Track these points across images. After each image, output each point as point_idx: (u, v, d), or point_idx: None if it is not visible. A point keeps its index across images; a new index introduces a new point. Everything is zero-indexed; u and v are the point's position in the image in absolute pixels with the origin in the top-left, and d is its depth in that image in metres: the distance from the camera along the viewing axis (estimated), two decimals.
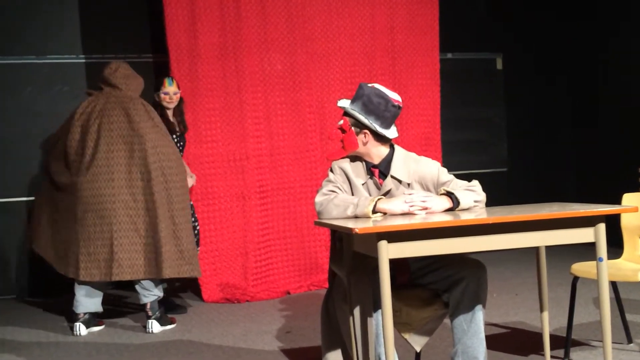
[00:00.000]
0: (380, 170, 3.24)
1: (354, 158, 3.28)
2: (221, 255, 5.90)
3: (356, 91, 3.23)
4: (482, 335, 3.10)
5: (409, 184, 3.22)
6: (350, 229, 2.68)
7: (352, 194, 3.22)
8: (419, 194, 3.09)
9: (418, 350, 3.27)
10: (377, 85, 3.25)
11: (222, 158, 5.96)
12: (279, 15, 6.12)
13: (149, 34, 6.66)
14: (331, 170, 3.29)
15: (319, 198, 3.18)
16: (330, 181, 3.24)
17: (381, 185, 3.22)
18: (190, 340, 4.57)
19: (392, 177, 3.22)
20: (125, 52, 6.64)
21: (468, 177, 3.37)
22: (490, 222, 2.81)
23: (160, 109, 5.31)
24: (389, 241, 2.69)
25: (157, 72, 6.65)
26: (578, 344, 3.93)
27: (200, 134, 5.89)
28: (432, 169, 3.26)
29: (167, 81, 5.38)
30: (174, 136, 5.37)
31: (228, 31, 5.97)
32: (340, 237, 3.20)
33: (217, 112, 5.95)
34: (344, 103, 3.26)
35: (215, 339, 4.57)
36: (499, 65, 8.06)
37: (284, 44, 6.15)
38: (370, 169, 3.24)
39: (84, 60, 6.54)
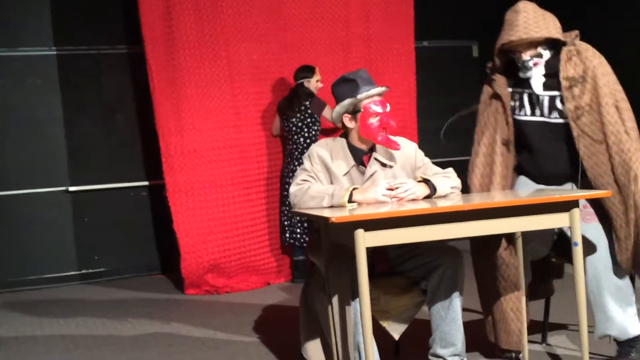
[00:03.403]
0: (369, 156, 3.23)
1: (338, 145, 3.26)
2: (204, 247, 5.85)
3: (360, 74, 3.19)
4: (460, 322, 3.13)
5: (391, 166, 3.23)
6: (327, 218, 2.68)
7: (331, 182, 3.20)
8: (402, 185, 3.08)
9: (397, 338, 3.28)
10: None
11: (205, 147, 5.89)
12: (254, 4, 6.07)
13: (122, 25, 6.58)
14: (308, 157, 3.25)
15: (293, 188, 3.16)
16: (304, 169, 3.22)
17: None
18: (170, 333, 4.55)
19: (376, 159, 3.22)
20: (98, 43, 6.58)
21: (445, 165, 3.38)
22: (467, 209, 2.82)
23: (311, 96, 5.83)
24: (366, 230, 2.69)
25: (131, 64, 6.60)
26: (555, 328, 3.96)
27: (181, 122, 5.82)
28: (410, 150, 3.28)
29: (317, 70, 5.89)
30: (313, 119, 5.81)
31: (204, 20, 5.90)
32: (318, 227, 3.19)
33: (197, 101, 5.88)
34: (378, 87, 3.20)
35: (195, 331, 4.55)
36: (475, 52, 8.08)
37: (259, 34, 6.10)
38: (361, 157, 3.22)
39: (55, 53, 6.45)
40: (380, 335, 3.21)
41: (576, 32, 3.35)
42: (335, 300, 3.02)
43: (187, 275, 5.79)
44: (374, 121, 3.14)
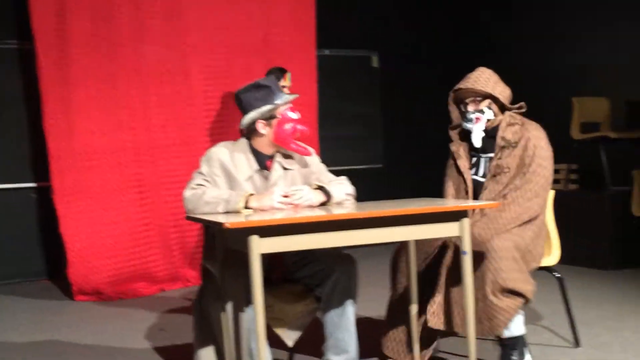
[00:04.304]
0: (272, 161, 3.23)
1: (239, 148, 3.23)
2: (93, 252, 5.68)
3: (272, 81, 3.23)
4: (353, 329, 3.16)
5: (291, 170, 3.26)
6: (221, 224, 2.65)
7: (231, 186, 3.17)
8: (297, 192, 3.10)
9: (291, 345, 3.28)
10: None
11: (96, 150, 5.72)
12: (153, 5, 5.95)
13: (13, 19, 6.32)
14: (207, 161, 3.21)
15: (187, 193, 3.12)
16: (201, 173, 3.18)
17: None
18: (59, 341, 4.40)
19: (279, 163, 3.23)
20: None
21: (345, 173, 3.45)
22: (361, 216, 2.86)
23: None
24: (261, 236, 2.68)
25: (22, 60, 6.34)
26: (445, 334, 4.05)
27: (72, 123, 5.63)
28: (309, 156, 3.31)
29: (287, 75, 5.41)
30: None
31: (100, 18, 5.73)
32: (213, 233, 3.16)
33: (90, 102, 5.71)
34: (292, 94, 3.27)
35: (86, 339, 4.42)
36: (375, 62, 8.24)
37: (158, 36, 5.98)
38: (265, 162, 3.22)
39: None
40: (274, 342, 3.21)
41: (521, 103, 3.58)
42: (229, 306, 2.99)
43: (75, 281, 5.60)
44: (288, 127, 3.17)
